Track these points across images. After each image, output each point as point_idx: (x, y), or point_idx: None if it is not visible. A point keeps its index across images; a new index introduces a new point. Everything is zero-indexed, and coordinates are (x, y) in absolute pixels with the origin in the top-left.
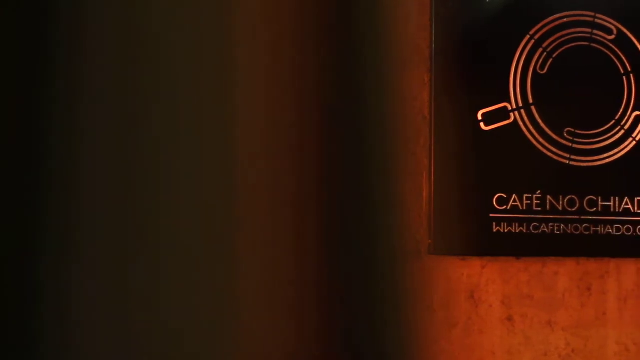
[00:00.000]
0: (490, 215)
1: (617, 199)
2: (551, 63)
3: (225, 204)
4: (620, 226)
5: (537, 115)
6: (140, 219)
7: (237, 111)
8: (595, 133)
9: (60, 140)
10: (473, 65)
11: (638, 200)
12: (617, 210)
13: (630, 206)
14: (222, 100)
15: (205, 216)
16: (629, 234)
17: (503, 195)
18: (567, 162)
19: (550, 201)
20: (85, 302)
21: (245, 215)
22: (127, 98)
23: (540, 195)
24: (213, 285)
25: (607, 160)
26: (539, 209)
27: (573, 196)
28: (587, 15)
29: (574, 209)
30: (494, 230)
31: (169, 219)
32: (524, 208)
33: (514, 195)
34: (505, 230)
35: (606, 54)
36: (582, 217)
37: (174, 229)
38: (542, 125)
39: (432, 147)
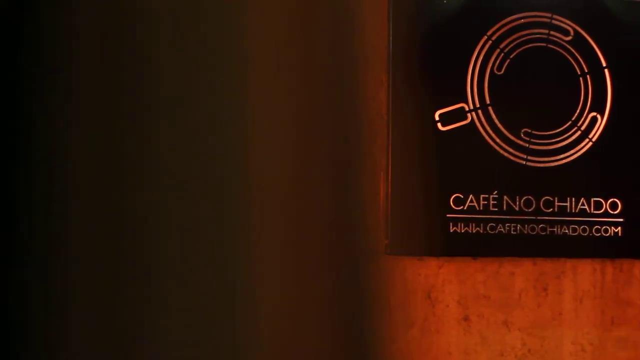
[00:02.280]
0: (447, 215)
1: (573, 199)
2: (508, 64)
3: (218, 209)
4: (576, 227)
5: (494, 116)
6: (151, 222)
7: (203, 112)
8: (552, 134)
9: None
10: (430, 66)
11: (594, 201)
12: (573, 211)
13: (586, 207)
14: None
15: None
16: (585, 234)
17: (460, 195)
18: (524, 162)
19: (507, 201)
20: (89, 303)
21: (207, 217)
22: (137, 97)
23: (497, 196)
24: (187, 284)
25: (564, 161)
26: (496, 209)
27: (530, 197)
28: (544, 16)
29: (530, 210)
30: (451, 231)
31: (173, 221)
32: (481, 208)
33: (470, 196)
34: (462, 231)
35: (563, 55)
36: (539, 218)
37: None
38: (499, 125)
39: (390, 148)
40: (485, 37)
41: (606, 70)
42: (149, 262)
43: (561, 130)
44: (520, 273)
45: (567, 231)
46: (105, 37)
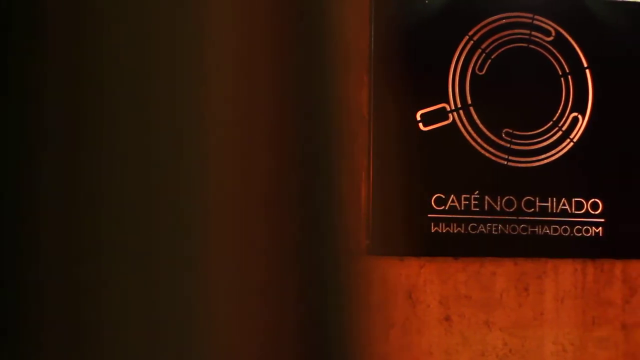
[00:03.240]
0: (429, 215)
1: (554, 199)
2: (490, 64)
3: (186, 204)
4: (557, 227)
5: (475, 116)
6: (111, 221)
7: (175, 111)
8: (533, 134)
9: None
10: (412, 66)
11: (575, 201)
12: (554, 211)
13: (567, 207)
14: (187, 99)
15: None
16: (566, 234)
17: (441, 195)
18: (505, 162)
19: (488, 202)
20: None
21: (183, 217)
22: (102, 97)
23: (478, 196)
24: (156, 284)
25: (545, 161)
26: (477, 209)
27: (511, 197)
28: (525, 16)
29: (511, 210)
30: (432, 231)
31: (136, 220)
32: (462, 208)
33: (452, 196)
34: (444, 231)
35: (544, 55)
36: (520, 218)
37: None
38: (481, 126)
39: (371, 148)
40: (467, 37)
41: (587, 71)
42: (111, 259)
43: (542, 131)
44: (501, 273)
45: (548, 231)
46: (64, 26)
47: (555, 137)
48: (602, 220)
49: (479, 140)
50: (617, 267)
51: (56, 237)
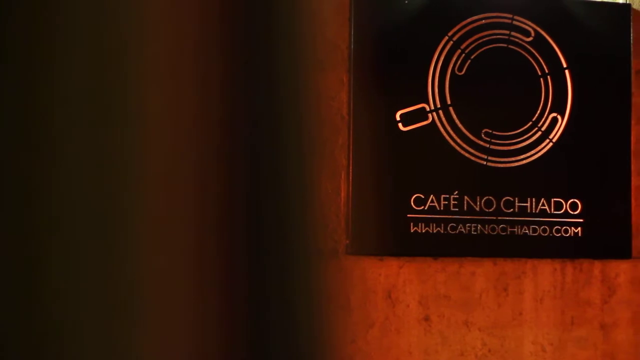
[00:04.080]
0: (408, 215)
1: (533, 200)
2: (469, 64)
3: (133, 203)
4: (536, 227)
5: (455, 116)
6: (44, 219)
7: (145, 111)
8: (513, 134)
9: None
10: (392, 66)
11: (554, 201)
12: (533, 211)
13: (546, 207)
14: (129, 98)
15: (110, 216)
16: (545, 234)
17: (421, 195)
18: (485, 163)
19: (467, 202)
20: None
21: (158, 215)
22: (31, 97)
23: (457, 196)
24: (118, 286)
25: (524, 162)
26: (457, 209)
27: (490, 197)
28: (505, 17)
29: (491, 210)
30: (412, 231)
31: (72, 218)
32: (442, 209)
33: (431, 196)
34: (423, 231)
35: (524, 55)
36: (499, 218)
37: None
38: (460, 126)
39: (351, 148)
40: (447, 37)
41: (567, 71)
42: (65, 262)
43: (522, 131)
44: (480, 273)
45: (527, 231)
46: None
47: (534, 138)
48: (581, 220)
49: (458, 140)
50: (596, 267)
51: None
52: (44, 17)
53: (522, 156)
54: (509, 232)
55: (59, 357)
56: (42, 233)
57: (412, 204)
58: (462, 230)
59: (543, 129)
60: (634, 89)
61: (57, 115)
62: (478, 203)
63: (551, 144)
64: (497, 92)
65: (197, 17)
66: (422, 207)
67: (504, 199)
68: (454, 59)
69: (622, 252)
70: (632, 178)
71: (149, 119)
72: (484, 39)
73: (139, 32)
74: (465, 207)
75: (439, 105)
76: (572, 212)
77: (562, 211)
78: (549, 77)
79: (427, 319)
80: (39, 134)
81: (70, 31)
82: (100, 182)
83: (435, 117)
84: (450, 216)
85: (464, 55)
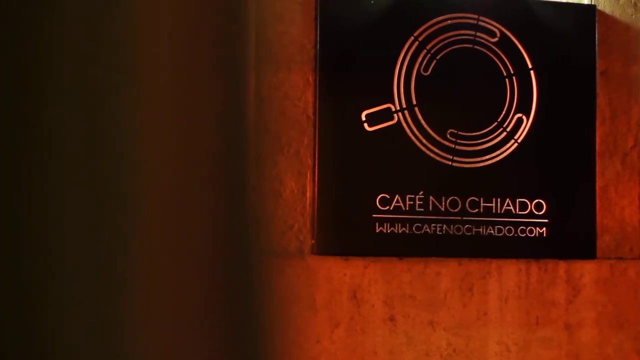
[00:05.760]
0: (373, 215)
1: (499, 200)
2: (435, 65)
3: (117, 203)
4: (501, 227)
5: (420, 117)
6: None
7: (105, 110)
8: (478, 135)
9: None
10: (358, 66)
11: (519, 201)
12: (498, 212)
13: (511, 207)
14: (107, 97)
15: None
16: (510, 235)
17: (386, 195)
18: (450, 163)
19: (432, 202)
20: None
21: (118, 214)
22: (20, 96)
23: (423, 196)
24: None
25: (490, 162)
26: (422, 209)
27: (455, 197)
28: (471, 17)
29: (456, 210)
30: (377, 231)
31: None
32: (407, 209)
33: (397, 196)
34: (388, 231)
35: (489, 56)
36: (465, 218)
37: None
38: (425, 126)
39: (317, 147)
40: (412, 37)
41: (532, 72)
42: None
43: (487, 131)
44: (445, 273)
45: (492, 232)
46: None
47: (499, 138)
48: (546, 220)
49: (423, 140)
50: (561, 267)
51: None
52: (33, 13)
53: (488, 156)
54: (474, 233)
55: (47, 353)
56: (30, 231)
57: (377, 204)
58: (428, 230)
59: (508, 129)
60: (598, 90)
61: (46, 114)
62: (443, 203)
63: (516, 144)
64: (463, 92)
65: (163, 16)
66: (388, 207)
67: (469, 199)
68: (420, 59)
69: (587, 252)
70: (597, 179)
71: (119, 119)
72: (450, 40)
73: (114, 31)
74: (430, 208)
75: (404, 106)
76: (537, 213)
77: (527, 211)
78: (514, 77)
79: (392, 319)
80: (28, 133)
81: (57, 28)
82: (85, 182)
83: (401, 117)
84: (415, 216)
85: (429, 55)
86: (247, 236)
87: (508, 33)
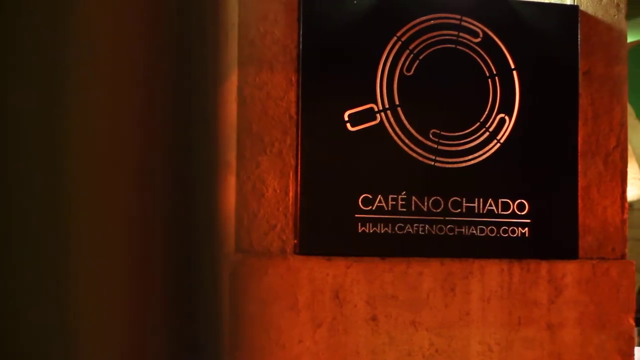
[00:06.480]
0: (356, 215)
1: (481, 200)
2: (418, 65)
3: (66, 204)
4: (484, 227)
5: (403, 117)
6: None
7: (63, 109)
8: (461, 135)
9: None
10: (341, 66)
11: (502, 201)
12: (481, 212)
13: (494, 207)
14: (59, 95)
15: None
16: (493, 235)
17: (369, 195)
18: (433, 163)
19: (415, 202)
20: None
21: (92, 214)
22: None
23: (405, 196)
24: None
25: (472, 162)
26: (404, 209)
27: (438, 197)
28: (453, 17)
29: (438, 210)
30: (359, 231)
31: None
32: (389, 209)
33: (379, 196)
34: (371, 231)
35: (472, 56)
36: (447, 218)
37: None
38: (408, 126)
39: (299, 147)
40: (395, 37)
41: (514, 72)
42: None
43: (470, 132)
44: (428, 273)
45: (474, 232)
46: None
47: (482, 138)
48: (528, 220)
49: (406, 140)
50: (543, 268)
51: None
52: None
53: (470, 157)
54: (456, 233)
55: None
56: None
57: (360, 204)
58: (410, 230)
59: (491, 129)
60: (581, 90)
61: None
62: (426, 203)
63: (499, 144)
64: (446, 92)
65: (138, 14)
66: (370, 207)
67: (451, 199)
68: (403, 59)
69: (569, 252)
70: (579, 179)
71: (78, 118)
72: (433, 40)
73: (77, 30)
74: (413, 207)
75: (387, 106)
76: (519, 213)
77: (509, 211)
78: (496, 77)
79: (374, 319)
80: None
81: (12, 29)
82: (34, 182)
83: (384, 118)
84: (398, 216)
85: (412, 55)
86: (230, 236)
87: (491, 33)
